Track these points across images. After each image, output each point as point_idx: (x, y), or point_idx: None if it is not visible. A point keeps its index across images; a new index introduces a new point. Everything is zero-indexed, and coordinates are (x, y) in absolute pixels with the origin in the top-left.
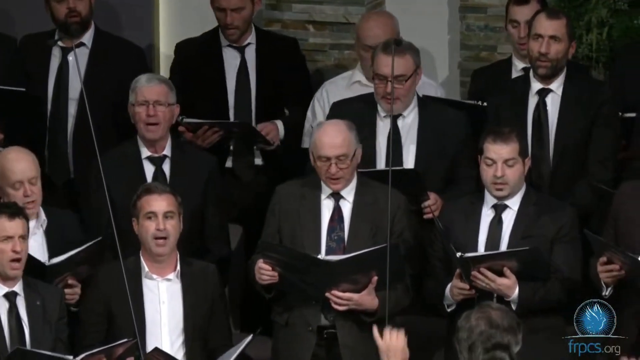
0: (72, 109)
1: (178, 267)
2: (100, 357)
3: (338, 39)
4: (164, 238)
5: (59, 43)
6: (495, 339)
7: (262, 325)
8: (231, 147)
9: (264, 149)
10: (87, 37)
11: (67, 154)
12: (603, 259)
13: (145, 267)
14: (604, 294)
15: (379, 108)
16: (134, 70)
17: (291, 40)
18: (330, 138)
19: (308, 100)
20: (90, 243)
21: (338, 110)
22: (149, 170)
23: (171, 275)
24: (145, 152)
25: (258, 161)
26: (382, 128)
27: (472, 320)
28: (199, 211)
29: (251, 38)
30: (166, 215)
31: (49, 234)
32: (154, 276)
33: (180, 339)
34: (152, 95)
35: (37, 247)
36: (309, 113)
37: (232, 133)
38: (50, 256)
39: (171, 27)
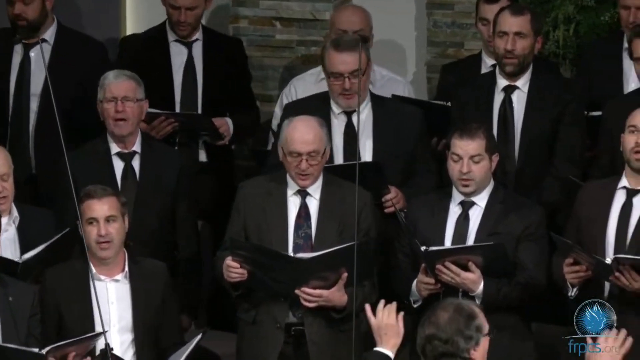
0: (34, 105)
1: (126, 268)
2: (69, 350)
3: (305, 35)
4: (108, 242)
5: (23, 40)
6: (440, 348)
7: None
8: (177, 140)
9: (213, 143)
10: (50, 34)
11: (29, 150)
12: (569, 260)
13: (92, 268)
14: (570, 294)
15: (332, 105)
16: (97, 66)
17: (235, 41)
18: (301, 134)
19: (248, 102)
20: (59, 235)
21: (291, 112)
22: (118, 166)
23: (119, 276)
24: (114, 148)
25: (202, 158)
26: (337, 125)
27: (425, 324)
28: (169, 207)
29: (199, 35)
30: (108, 219)
31: (22, 230)
32: (102, 277)
33: (130, 339)
34: (120, 91)
35: (9, 244)
36: (276, 109)
37: (187, 125)
38: (22, 252)
39: (137, 22)
